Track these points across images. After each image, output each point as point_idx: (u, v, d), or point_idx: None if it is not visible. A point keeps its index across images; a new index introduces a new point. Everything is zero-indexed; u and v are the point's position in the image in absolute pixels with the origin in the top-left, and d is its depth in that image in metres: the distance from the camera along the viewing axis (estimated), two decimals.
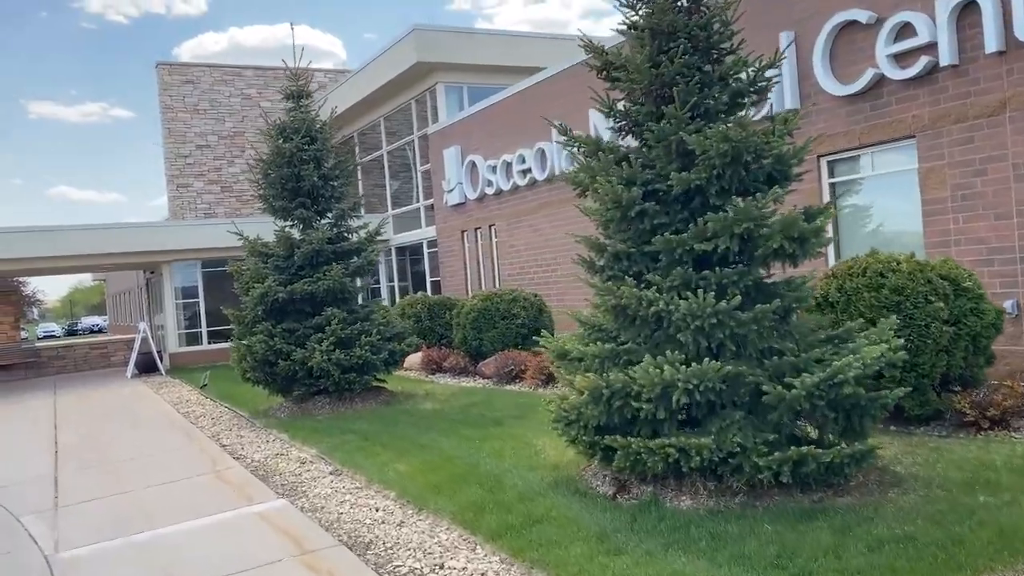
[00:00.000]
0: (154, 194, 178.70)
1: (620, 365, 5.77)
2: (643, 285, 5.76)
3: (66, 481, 8.41)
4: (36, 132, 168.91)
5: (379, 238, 12.07)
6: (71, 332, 68.77)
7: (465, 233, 18.66)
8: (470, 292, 18.43)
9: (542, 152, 15.41)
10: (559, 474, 6.47)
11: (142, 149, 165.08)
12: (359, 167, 11.50)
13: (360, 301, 12.23)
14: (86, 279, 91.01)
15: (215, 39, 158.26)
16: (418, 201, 21.69)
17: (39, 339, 60.20)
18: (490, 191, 17.24)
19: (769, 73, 6.05)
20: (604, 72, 6.43)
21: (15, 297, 22.51)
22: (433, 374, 14.12)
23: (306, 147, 11.41)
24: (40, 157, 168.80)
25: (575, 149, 6.28)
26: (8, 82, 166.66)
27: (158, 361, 19.65)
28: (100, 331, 65.82)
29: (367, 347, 10.83)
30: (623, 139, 6.38)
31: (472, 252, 18.55)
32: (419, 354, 14.21)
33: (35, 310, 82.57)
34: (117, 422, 12.31)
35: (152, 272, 23.22)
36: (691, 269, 5.57)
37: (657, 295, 5.51)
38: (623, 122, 6.18)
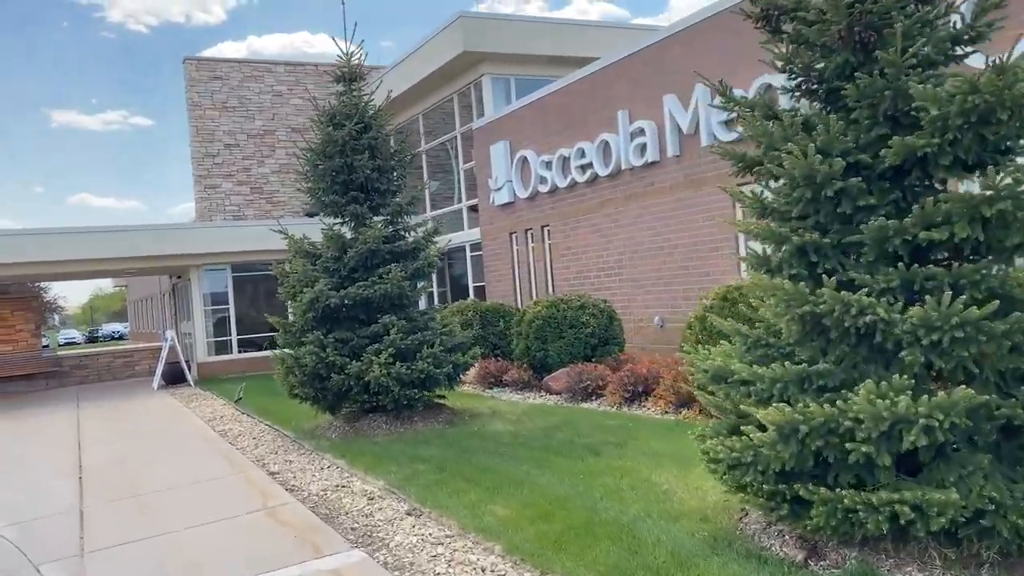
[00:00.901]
0: (174, 201, 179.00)
1: (811, 392, 4.44)
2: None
3: (93, 517, 7.19)
4: (58, 140, 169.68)
5: (437, 237, 10.80)
6: (92, 339, 68.29)
7: (514, 235, 17.38)
8: (519, 298, 17.16)
9: (605, 145, 14.11)
10: (712, 527, 5.14)
11: (162, 156, 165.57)
12: (413, 159, 10.29)
13: (415, 307, 10.97)
14: (106, 285, 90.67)
15: (234, 48, 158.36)
16: (460, 202, 20.46)
17: (60, 346, 59.66)
18: (543, 189, 15.96)
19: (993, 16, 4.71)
20: (764, 21, 5.11)
21: (36, 303, 21.46)
22: (490, 388, 12.82)
23: (360, 135, 10.18)
24: (62, 165, 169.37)
25: (742, 114, 4.92)
26: (31, 91, 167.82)
27: (186, 371, 18.49)
28: (121, 338, 65.33)
29: (429, 359, 9.56)
30: (797, 102, 5.06)
31: (522, 255, 17.26)
32: (474, 366, 12.91)
33: (56, 316, 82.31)
34: (147, 441, 11.11)
35: (179, 277, 22.12)
36: (916, 266, 4.24)
37: (870, 299, 4.18)
38: (801, 79, 4.85)
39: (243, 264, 19.94)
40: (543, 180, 15.93)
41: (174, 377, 18.49)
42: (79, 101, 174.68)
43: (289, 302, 10.42)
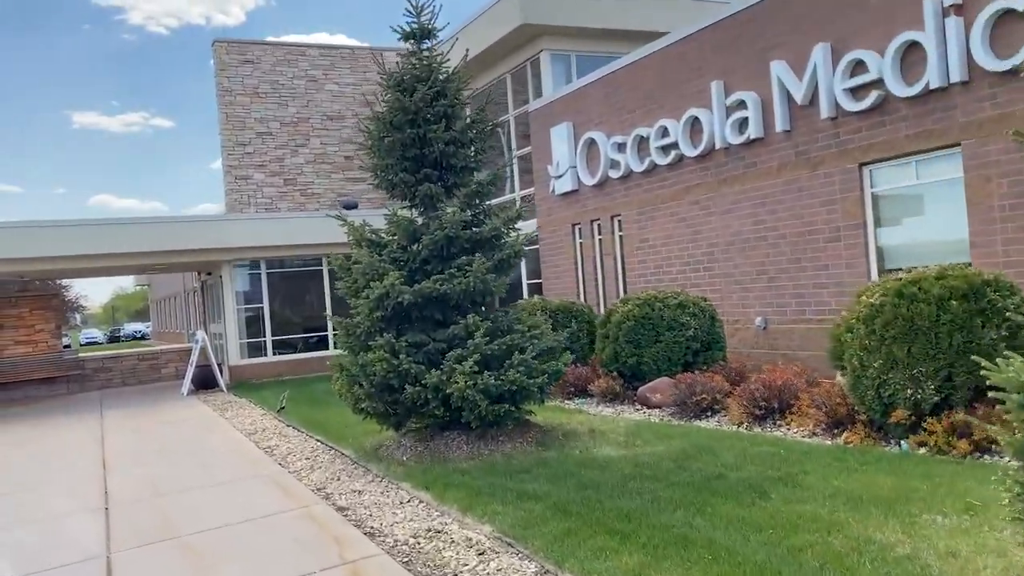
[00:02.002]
0: (194, 202, 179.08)
1: None
2: None
3: (125, 568, 5.67)
4: (79, 142, 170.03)
5: (520, 223, 9.23)
6: (113, 339, 67.56)
7: (577, 227, 15.74)
8: (583, 297, 15.55)
9: (694, 121, 12.44)
10: None
11: (183, 157, 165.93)
12: (494, 131, 8.64)
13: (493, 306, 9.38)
14: (128, 284, 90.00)
15: None
16: (512, 191, 18.86)
17: (82, 346, 58.77)
18: (615, 174, 14.31)
19: None
20: None
21: (56, 302, 20.08)
22: (570, 399, 11.19)
23: (432, 101, 8.60)
24: (83, 166, 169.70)
25: None
26: (52, 93, 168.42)
27: (218, 375, 17.01)
28: (143, 337, 64.55)
29: (521, 368, 7.95)
30: None
31: (586, 249, 15.63)
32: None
33: (78, 316, 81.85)
34: (182, 461, 9.59)
35: (209, 273, 20.68)
36: None
37: None
38: None
39: (278, 259, 18.48)
40: (614, 164, 14.28)
41: (204, 381, 17.04)
42: (100, 103, 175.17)
43: (349, 299, 8.87)
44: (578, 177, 15.35)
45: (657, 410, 9.64)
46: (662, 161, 13.16)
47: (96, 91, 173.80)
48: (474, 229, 8.71)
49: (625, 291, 14.65)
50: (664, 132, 13.05)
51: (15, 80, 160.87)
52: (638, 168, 13.71)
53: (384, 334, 8.09)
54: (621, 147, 14.09)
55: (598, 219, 15.14)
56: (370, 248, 8.73)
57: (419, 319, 8.48)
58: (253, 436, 10.91)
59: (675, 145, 12.82)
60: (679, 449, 7.46)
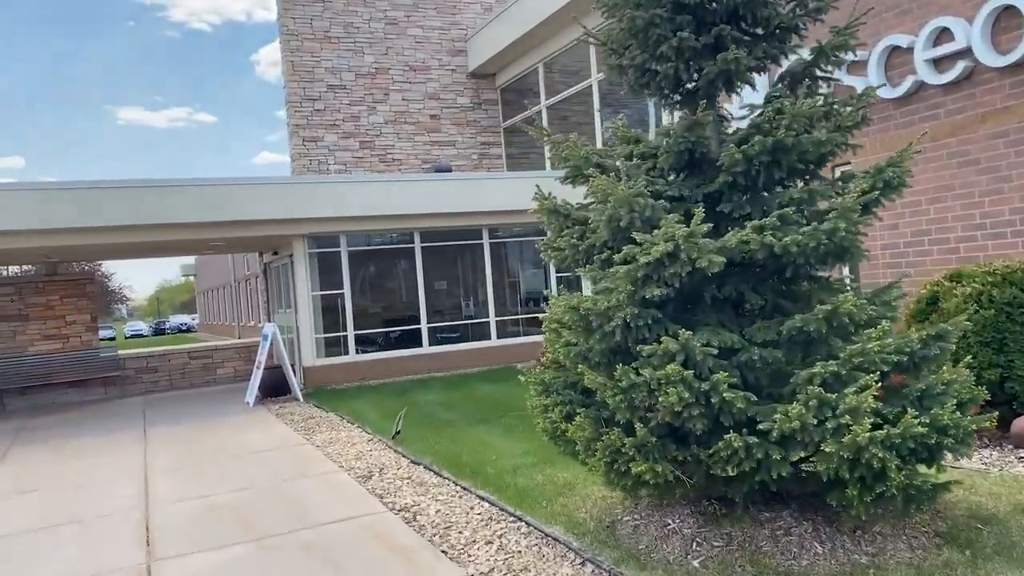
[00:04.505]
0: None
1: None
2: None
3: None
4: (124, 137, 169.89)
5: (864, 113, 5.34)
6: (159, 331, 65.41)
7: None
8: None
9: (1002, 13, 8.35)
10: None
11: (226, 152, 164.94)
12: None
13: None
14: (173, 276, 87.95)
15: None
16: None
17: (127, 338, 56.32)
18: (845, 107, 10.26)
19: None
20: None
21: (92, 288, 16.61)
22: None
23: None
24: (128, 161, 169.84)
25: None
26: (98, 89, 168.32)
27: (291, 379, 13.34)
28: (189, 330, 62.25)
29: (951, 397, 4.03)
30: None
31: None
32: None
33: (124, 307, 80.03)
34: (276, 538, 5.83)
35: (275, 253, 17.06)
36: None
37: None
38: None
39: (363, 234, 14.78)
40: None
41: (275, 387, 13.40)
42: (144, 98, 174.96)
43: (571, 267, 5.05)
44: None
45: None
46: (935, 80, 9.08)
47: (140, 87, 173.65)
48: (803, 135, 4.80)
49: (855, 273, 10.63)
50: (941, 36, 8.97)
51: (61, 77, 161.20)
52: (890, 93, 9.65)
53: (669, 330, 4.21)
54: (857, 68, 10.04)
55: None
56: (628, 178, 4.87)
57: (714, 302, 4.62)
58: (369, 482, 7.16)
59: (964, 53, 8.73)
60: None
